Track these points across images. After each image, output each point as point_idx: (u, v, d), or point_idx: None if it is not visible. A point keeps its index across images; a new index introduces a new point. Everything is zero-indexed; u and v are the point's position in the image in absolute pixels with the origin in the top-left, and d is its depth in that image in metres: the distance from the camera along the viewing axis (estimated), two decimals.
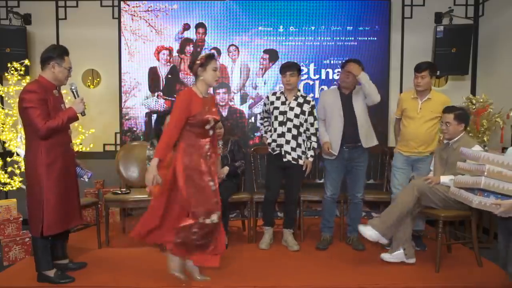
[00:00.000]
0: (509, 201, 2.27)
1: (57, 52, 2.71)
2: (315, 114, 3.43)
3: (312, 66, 4.46)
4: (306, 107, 3.39)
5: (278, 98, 3.45)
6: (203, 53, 2.90)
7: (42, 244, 2.72)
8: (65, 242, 3.03)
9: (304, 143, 3.42)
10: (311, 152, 3.42)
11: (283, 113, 3.39)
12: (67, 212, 2.76)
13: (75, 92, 2.83)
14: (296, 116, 3.37)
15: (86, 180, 3.04)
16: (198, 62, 2.61)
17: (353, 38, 4.43)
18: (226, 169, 3.56)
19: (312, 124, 3.42)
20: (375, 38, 4.42)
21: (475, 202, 2.44)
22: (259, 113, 3.76)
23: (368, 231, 2.97)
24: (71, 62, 2.78)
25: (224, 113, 4.46)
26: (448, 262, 3.13)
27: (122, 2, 4.41)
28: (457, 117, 3.04)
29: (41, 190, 2.62)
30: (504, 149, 3.44)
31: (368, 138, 3.38)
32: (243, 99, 4.49)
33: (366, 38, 4.42)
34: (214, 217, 2.58)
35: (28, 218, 2.75)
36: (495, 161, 2.33)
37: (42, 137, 2.60)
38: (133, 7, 4.42)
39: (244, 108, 4.49)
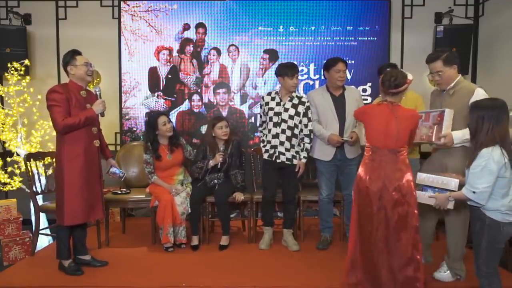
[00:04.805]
0: (443, 194, 2.30)
1: (68, 56, 2.92)
2: (309, 115, 3.39)
3: (312, 66, 4.46)
4: (301, 108, 3.36)
5: (273, 99, 3.42)
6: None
7: (62, 233, 2.93)
8: (83, 238, 3.14)
9: (298, 144, 3.40)
10: (304, 154, 3.40)
11: (277, 114, 3.37)
12: (89, 205, 2.93)
13: (98, 94, 2.99)
14: (291, 117, 3.34)
15: (117, 178, 3.23)
16: None
17: (353, 38, 4.43)
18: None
19: (306, 126, 3.38)
20: (375, 38, 4.42)
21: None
22: (259, 117, 3.68)
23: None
24: (87, 58, 2.94)
25: (224, 113, 4.46)
26: None
27: (122, 2, 4.41)
28: (446, 61, 2.60)
29: (63, 181, 2.83)
30: None
31: (352, 148, 3.38)
32: (243, 99, 4.48)
33: (366, 38, 4.42)
34: None
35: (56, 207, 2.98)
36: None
37: (59, 132, 2.82)
38: (133, 7, 4.42)
39: (244, 108, 4.49)
